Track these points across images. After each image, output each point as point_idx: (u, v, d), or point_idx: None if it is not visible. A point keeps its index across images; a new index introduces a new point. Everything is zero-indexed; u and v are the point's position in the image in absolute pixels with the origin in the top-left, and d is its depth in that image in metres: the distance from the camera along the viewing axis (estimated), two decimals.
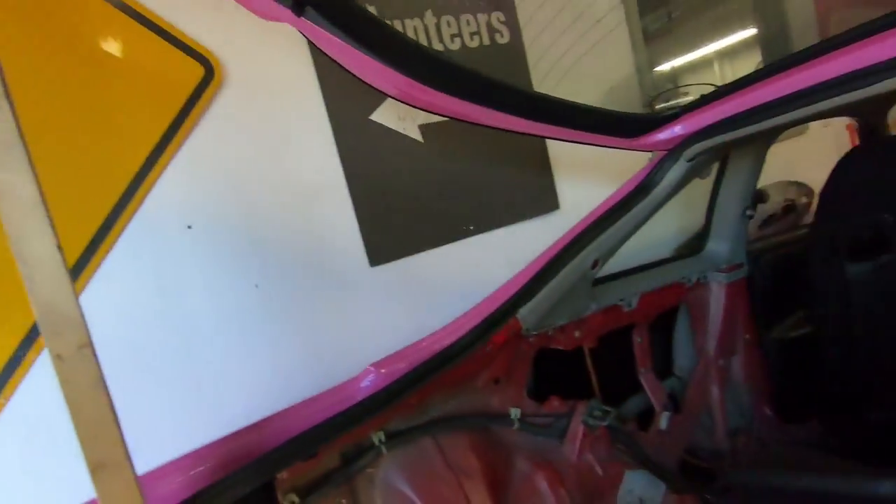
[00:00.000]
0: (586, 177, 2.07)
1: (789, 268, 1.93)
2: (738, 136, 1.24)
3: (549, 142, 2.03)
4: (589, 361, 1.65)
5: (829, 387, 1.79)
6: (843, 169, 1.68)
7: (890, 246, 1.58)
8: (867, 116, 2.18)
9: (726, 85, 1.25)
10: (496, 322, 1.27)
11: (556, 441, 1.46)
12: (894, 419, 1.62)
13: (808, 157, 2.72)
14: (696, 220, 2.01)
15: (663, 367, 2.02)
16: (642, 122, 1.38)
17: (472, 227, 1.83)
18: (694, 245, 1.95)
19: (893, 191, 1.54)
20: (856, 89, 0.98)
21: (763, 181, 1.91)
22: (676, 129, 1.37)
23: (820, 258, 1.73)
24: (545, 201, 2.01)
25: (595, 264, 1.45)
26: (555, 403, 1.50)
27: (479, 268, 1.83)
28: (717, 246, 1.86)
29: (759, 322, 1.94)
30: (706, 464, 1.79)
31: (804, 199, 2.69)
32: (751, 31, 3.36)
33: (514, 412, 1.42)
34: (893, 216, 1.52)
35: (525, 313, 1.33)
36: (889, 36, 0.92)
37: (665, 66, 4.34)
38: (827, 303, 1.72)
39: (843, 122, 2.96)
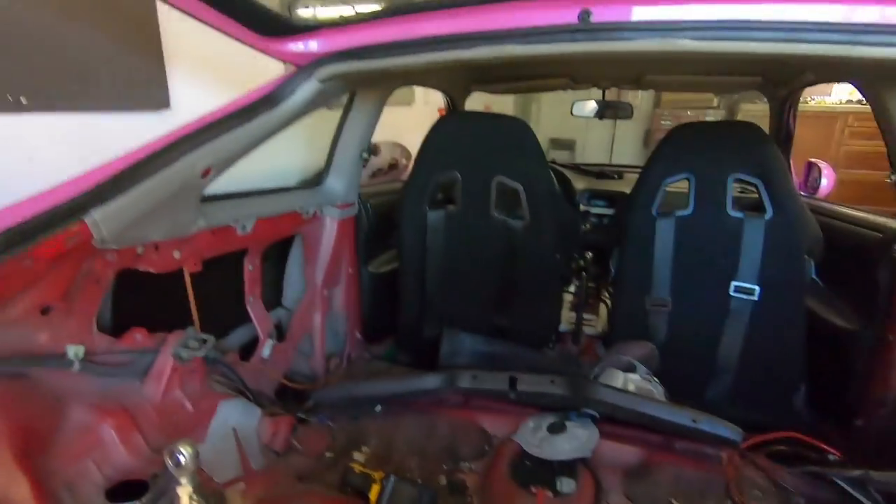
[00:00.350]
0: (208, 79, 1.79)
1: (388, 214, 2.22)
2: (370, 68, 1.27)
3: (163, 30, 1.63)
4: (190, 287, 1.44)
5: (402, 311, 2.18)
6: (432, 135, 2.03)
7: (454, 198, 2.04)
8: (451, 93, 2.72)
9: (371, 13, 1.26)
10: (46, 227, 0.90)
11: (136, 381, 1.21)
12: (438, 335, 2.11)
13: (411, 125, 3.20)
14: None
15: (274, 298, 2.01)
16: (278, 22, 1.24)
17: (23, 100, 1.27)
18: (315, 179, 1.99)
19: (461, 153, 1.96)
20: (457, 49, 1.15)
21: (375, 139, 2.11)
22: (312, 45, 1.31)
23: (409, 206, 2.06)
24: (151, 96, 1.63)
25: (206, 173, 1.24)
26: (137, 337, 1.23)
27: (32, 161, 1.30)
28: (335, 182, 1.95)
29: (360, 257, 2.17)
30: (302, 386, 1.88)
31: (404, 161, 3.19)
32: None
33: (75, 350, 1.08)
34: (459, 174, 1.95)
35: (100, 219, 1.00)
36: (487, 10, 1.09)
37: None
38: (408, 242, 2.07)
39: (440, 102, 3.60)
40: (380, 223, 2.22)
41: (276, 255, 1.94)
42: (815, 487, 1.44)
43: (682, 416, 1.42)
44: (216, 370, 1.38)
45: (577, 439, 1.59)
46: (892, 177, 1.44)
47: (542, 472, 1.49)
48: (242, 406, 1.35)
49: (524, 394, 1.65)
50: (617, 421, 1.67)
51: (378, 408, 1.88)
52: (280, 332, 1.89)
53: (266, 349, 1.66)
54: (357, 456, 1.63)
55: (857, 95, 5.37)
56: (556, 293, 2.14)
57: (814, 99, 5.52)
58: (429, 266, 2.05)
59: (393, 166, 3.22)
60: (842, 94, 5.46)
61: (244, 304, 1.69)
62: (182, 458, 0.86)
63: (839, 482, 1.42)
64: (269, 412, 1.48)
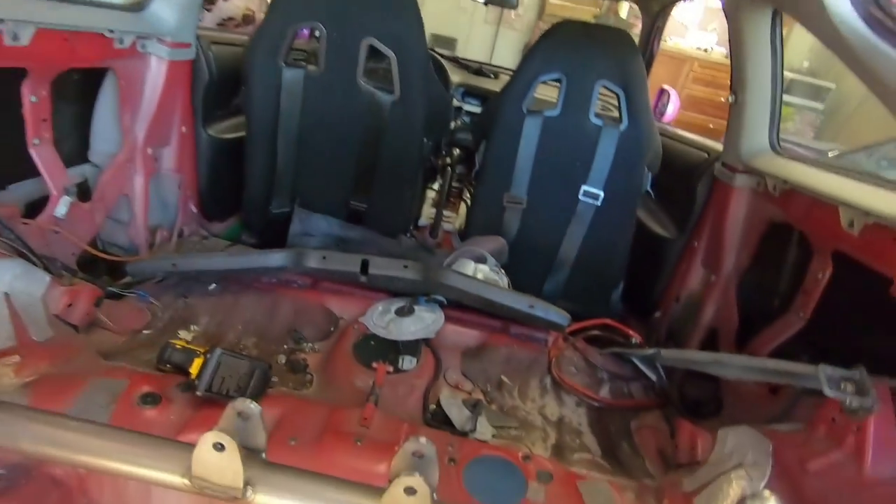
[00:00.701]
0: None
1: (236, 70, 1.87)
2: None
3: None
4: None
5: (248, 184, 1.93)
6: None
7: (316, 57, 1.77)
8: None
9: None
10: None
11: None
12: (288, 215, 1.93)
13: None
14: None
15: (77, 152, 1.61)
16: None
17: None
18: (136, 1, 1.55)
19: (328, 2, 1.67)
20: None
21: None
22: None
23: (260, 59, 1.75)
24: None
25: None
26: None
27: None
28: (164, 11, 1.55)
29: (197, 115, 1.82)
30: (115, 257, 1.60)
31: (261, 15, 2.71)
32: None
33: None
34: (324, 27, 1.67)
35: None
36: None
37: None
38: (258, 103, 1.79)
39: None
40: (225, 79, 1.87)
41: (78, 92, 1.53)
42: (618, 365, 1.68)
43: (521, 302, 1.50)
44: None
45: (422, 322, 1.61)
46: (730, 97, 1.58)
47: (385, 351, 1.49)
48: (21, 268, 1.08)
49: (375, 277, 1.60)
50: (462, 307, 1.74)
51: (213, 286, 1.70)
52: (85, 194, 1.54)
53: (61, 207, 1.33)
54: (182, 334, 1.46)
55: (707, 43, 5.95)
56: (419, 180, 2.08)
57: (671, 39, 5.95)
58: (281, 134, 1.81)
59: (248, 19, 2.72)
60: (696, 41, 5.96)
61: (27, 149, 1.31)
62: None
63: (635, 360, 1.67)
64: (63, 281, 1.22)
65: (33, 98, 1.24)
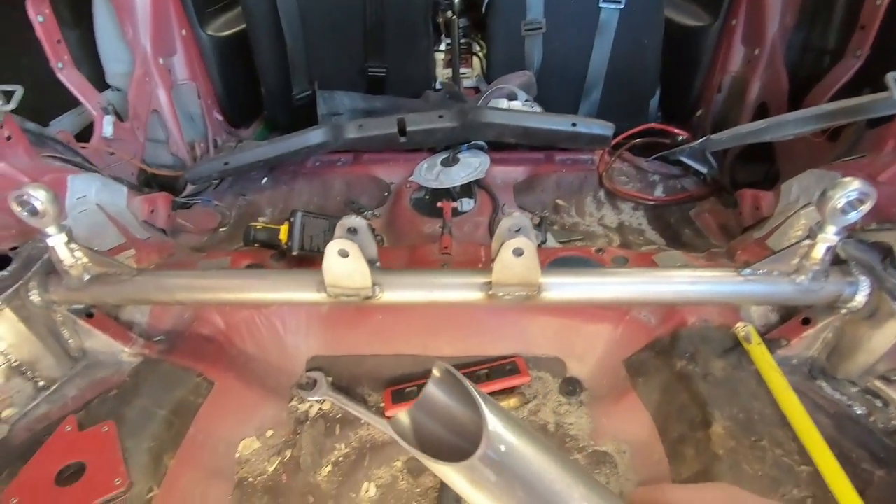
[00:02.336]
0: None
1: None
2: None
3: None
4: None
5: (263, 78, 1.90)
6: None
7: None
8: None
9: None
10: None
11: None
12: (311, 100, 1.91)
13: None
14: None
15: (95, 77, 1.61)
16: None
17: None
18: None
19: None
20: None
21: None
22: None
23: None
24: None
25: None
26: None
27: None
28: None
29: (191, 15, 1.76)
30: (170, 173, 1.66)
31: None
32: None
33: None
34: None
35: None
36: None
37: None
38: None
39: None
40: None
41: (76, 15, 1.49)
42: (667, 167, 1.70)
43: (562, 122, 1.50)
44: (47, 148, 1.12)
45: (470, 166, 1.65)
46: None
47: (441, 200, 1.55)
48: (100, 181, 1.15)
49: (414, 134, 1.61)
50: (503, 148, 1.75)
51: (264, 180, 1.77)
52: (120, 116, 1.57)
53: (106, 126, 1.38)
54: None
55: None
56: (430, 31, 1.98)
57: None
58: (282, 12, 1.73)
59: None
60: None
61: (55, 77, 1.33)
62: (37, 203, 0.71)
63: (683, 159, 1.68)
64: (136, 189, 1.30)
65: (40, 18, 1.23)
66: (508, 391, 1.08)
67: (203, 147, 1.91)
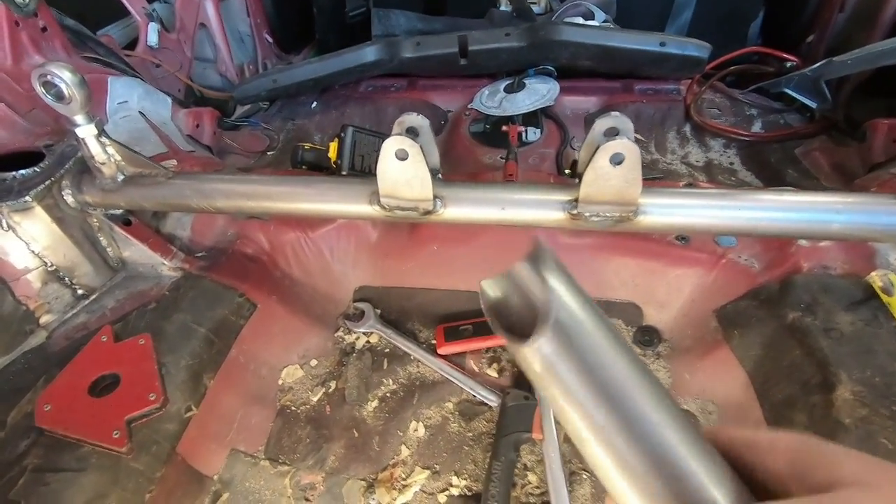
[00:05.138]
0: None
1: None
2: None
3: None
4: None
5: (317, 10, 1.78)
6: None
7: None
8: None
9: None
10: None
11: None
12: (365, 18, 1.76)
13: None
14: None
15: None
16: None
17: None
18: None
19: None
20: None
21: None
22: None
23: None
24: None
25: None
26: None
27: None
28: None
29: None
30: (219, 94, 1.58)
31: None
32: None
33: None
34: None
35: None
36: None
37: None
38: None
39: None
40: None
41: None
42: (767, 100, 1.47)
43: (650, 42, 1.29)
44: (87, 49, 1.04)
45: (536, 93, 1.47)
46: None
47: (502, 129, 1.40)
48: (143, 88, 1.07)
49: (477, 55, 1.45)
50: (575, 76, 1.56)
51: (314, 104, 1.66)
52: (167, 27, 1.48)
53: (151, 34, 1.29)
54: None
55: None
56: None
57: None
58: None
59: None
60: None
61: None
62: (63, 86, 0.63)
63: (789, 91, 1.44)
64: (182, 104, 1.22)
65: None
66: None
67: (252, 70, 1.82)
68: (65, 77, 0.63)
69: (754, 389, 0.78)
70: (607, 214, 0.62)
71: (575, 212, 0.63)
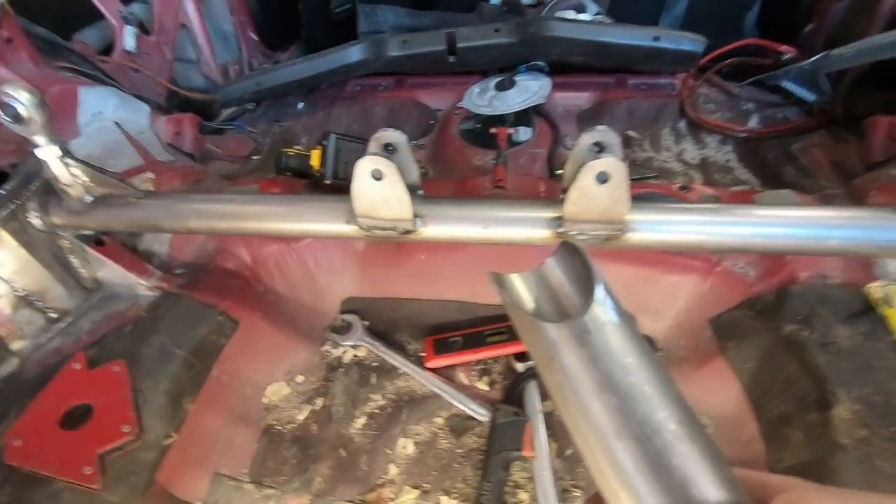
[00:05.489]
0: None
1: None
2: None
3: None
4: None
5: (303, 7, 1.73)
6: None
7: None
8: None
9: None
10: None
11: None
12: (351, 13, 1.72)
13: None
14: None
15: None
16: None
17: None
18: None
19: None
20: None
21: None
22: None
23: None
24: None
25: None
26: None
27: None
28: None
29: None
30: (202, 96, 1.54)
31: None
32: None
33: None
34: None
35: None
36: None
37: None
38: None
39: None
40: None
41: None
42: (764, 94, 1.43)
43: (643, 37, 1.25)
44: (60, 58, 1.01)
45: (528, 91, 1.44)
46: None
47: (495, 127, 1.36)
48: (118, 97, 1.04)
49: (465, 53, 1.41)
50: (567, 71, 1.52)
51: (300, 105, 1.62)
52: (143, 27, 1.44)
53: (128, 38, 1.25)
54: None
55: None
56: None
57: None
58: None
59: None
60: None
61: None
62: (20, 107, 0.60)
63: (786, 85, 1.40)
64: (158, 108, 1.18)
65: None
66: None
67: (237, 70, 1.77)
68: (22, 98, 0.59)
69: (750, 403, 0.76)
70: (594, 233, 0.59)
71: (560, 230, 0.60)
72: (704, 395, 0.83)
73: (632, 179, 1.24)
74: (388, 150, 0.61)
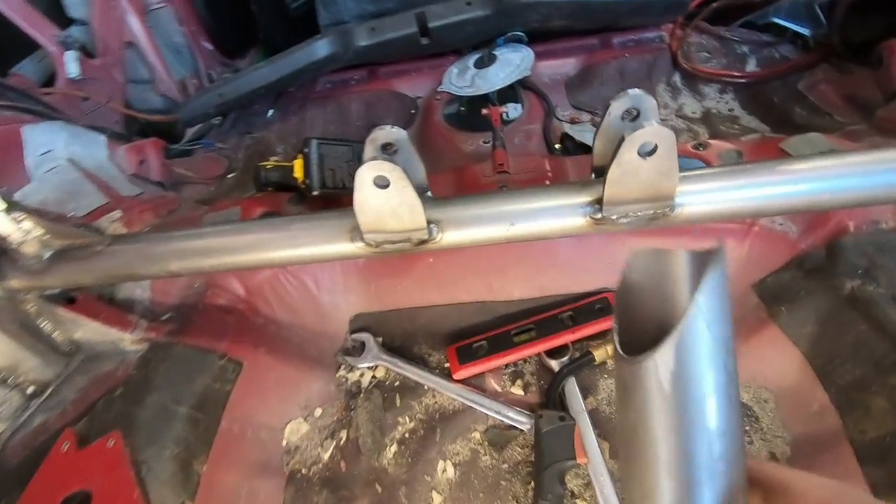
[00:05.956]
0: None
1: None
2: None
3: None
4: None
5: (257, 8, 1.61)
6: None
7: None
8: None
9: None
10: None
11: None
12: (307, 6, 1.60)
13: None
14: None
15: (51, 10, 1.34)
16: None
17: None
18: None
19: None
20: None
21: None
22: None
23: None
24: None
25: None
26: None
27: None
28: None
29: None
30: (162, 118, 1.43)
31: None
32: None
33: None
34: None
35: None
36: None
37: None
38: None
39: None
40: None
41: None
42: (757, 34, 1.35)
43: None
44: None
45: (510, 64, 1.34)
46: None
47: (482, 109, 1.28)
48: (68, 130, 0.93)
49: (439, 32, 1.31)
50: (547, 39, 1.43)
51: (270, 113, 1.52)
52: (89, 53, 1.31)
53: (70, 65, 1.13)
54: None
55: None
56: None
57: None
58: None
59: None
60: None
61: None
62: None
63: (780, 20, 1.33)
64: (116, 136, 1.07)
65: None
66: (600, 336, 0.87)
67: (196, 84, 1.65)
68: None
69: (814, 371, 0.69)
70: (638, 213, 0.51)
71: (599, 216, 0.52)
72: (760, 367, 0.76)
73: None
74: (388, 151, 0.52)
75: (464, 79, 1.36)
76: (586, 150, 1.13)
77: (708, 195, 0.51)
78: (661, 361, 0.24)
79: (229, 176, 1.32)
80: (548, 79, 1.39)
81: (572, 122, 1.28)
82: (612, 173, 0.48)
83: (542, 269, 0.91)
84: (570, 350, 0.85)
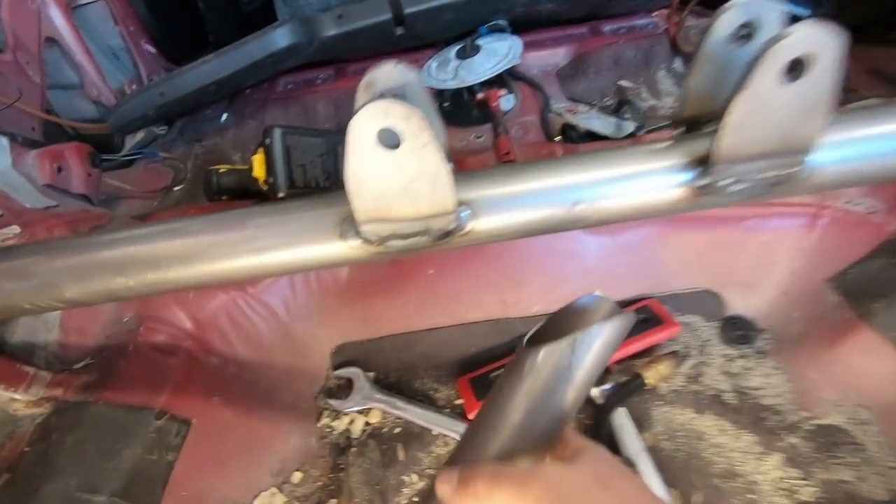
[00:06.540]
0: None
1: None
2: None
3: None
4: None
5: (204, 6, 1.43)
6: None
7: None
8: None
9: None
10: None
11: None
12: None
13: None
14: None
15: None
16: None
17: None
18: None
19: None
20: None
21: None
22: None
23: None
24: None
25: None
26: None
27: None
28: None
29: None
30: (92, 127, 1.21)
31: None
32: None
33: None
34: None
35: None
36: None
37: None
38: None
39: None
40: None
41: None
42: None
43: None
44: None
45: (497, 53, 1.21)
46: None
47: (468, 102, 1.13)
48: None
49: (415, 19, 1.16)
50: (534, 28, 1.31)
51: (224, 117, 1.32)
52: None
53: None
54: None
55: None
56: None
57: None
58: None
59: None
60: None
61: None
62: None
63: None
64: (29, 143, 0.86)
65: None
66: (646, 353, 0.71)
67: (136, 87, 1.44)
68: None
69: None
70: (758, 176, 0.36)
71: (705, 181, 0.36)
72: (853, 381, 0.61)
73: (647, 131, 1.03)
74: (394, 93, 0.35)
75: (445, 71, 1.21)
76: (594, 138, 1.00)
77: (856, 145, 0.36)
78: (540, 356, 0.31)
79: (175, 189, 1.11)
80: (537, 70, 1.26)
81: (570, 113, 1.15)
82: (733, 115, 0.32)
83: (566, 277, 0.75)
84: (614, 374, 0.69)
